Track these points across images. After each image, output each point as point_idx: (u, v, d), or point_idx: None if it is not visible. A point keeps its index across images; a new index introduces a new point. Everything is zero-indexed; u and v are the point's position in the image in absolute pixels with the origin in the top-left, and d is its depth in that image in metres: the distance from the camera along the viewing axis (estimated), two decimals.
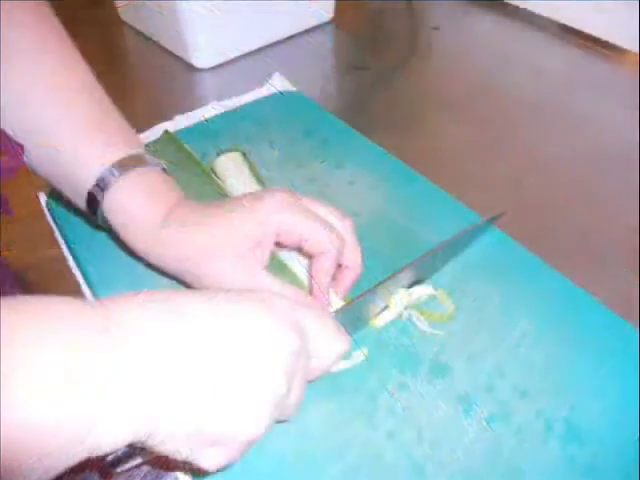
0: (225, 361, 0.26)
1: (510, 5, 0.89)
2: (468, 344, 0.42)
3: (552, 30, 0.85)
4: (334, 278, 0.42)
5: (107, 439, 0.23)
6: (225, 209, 0.39)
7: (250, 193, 0.41)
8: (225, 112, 0.66)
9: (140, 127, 0.63)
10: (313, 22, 0.86)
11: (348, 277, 0.42)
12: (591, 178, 0.59)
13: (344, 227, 0.40)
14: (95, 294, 0.46)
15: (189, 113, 0.67)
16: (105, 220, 0.41)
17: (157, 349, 0.24)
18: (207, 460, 0.27)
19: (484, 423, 0.37)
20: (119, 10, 0.90)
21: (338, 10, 0.88)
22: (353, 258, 0.41)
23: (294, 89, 0.71)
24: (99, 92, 0.42)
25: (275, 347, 0.28)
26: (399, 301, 0.43)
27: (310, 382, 0.35)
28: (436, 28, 0.87)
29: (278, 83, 0.72)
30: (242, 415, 0.26)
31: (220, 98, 0.70)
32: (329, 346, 0.33)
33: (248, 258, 0.38)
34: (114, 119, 0.42)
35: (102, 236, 0.49)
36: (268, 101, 0.68)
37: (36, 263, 0.44)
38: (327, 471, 0.35)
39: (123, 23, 0.90)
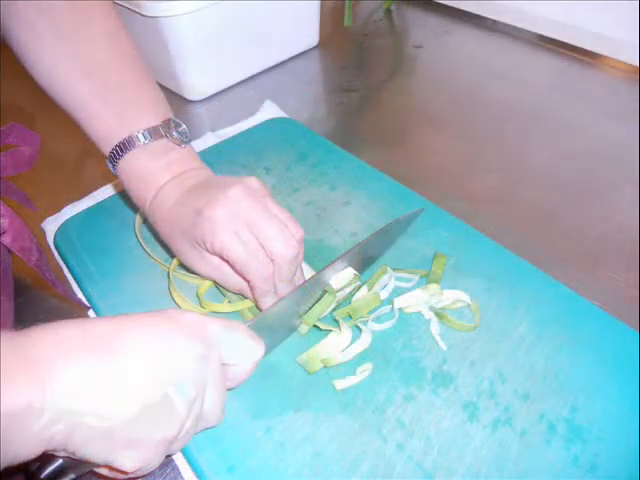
0: (131, 369, 0.29)
1: (488, 20, 0.92)
2: (469, 352, 0.44)
3: (531, 41, 0.88)
4: None
5: (22, 449, 0.26)
6: (186, 209, 0.42)
7: (212, 194, 0.42)
8: (220, 142, 0.68)
9: None
10: (299, 49, 0.89)
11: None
12: (578, 183, 0.61)
13: (285, 253, 0.41)
14: (92, 296, 0.50)
15: None
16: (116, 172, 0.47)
17: (70, 361, 0.27)
18: (123, 461, 0.29)
19: (489, 428, 0.39)
20: None
21: (323, 35, 0.91)
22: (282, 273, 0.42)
23: (285, 115, 0.73)
24: (125, 65, 0.46)
25: (177, 354, 0.31)
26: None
27: (232, 389, 0.38)
28: (419, 46, 0.89)
29: (269, 110, 0.74)
30: (149, 417, 0.29)
31: (214, 128, 0.73)
32: (242, 353, 0.35)
33: (207, 256, 0.43)
34: (135, 94, 0.46)
35: (104, 237, 0.53)
36: (261, 128, 0.70)
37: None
38: None
39: None
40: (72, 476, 0.32)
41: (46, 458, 0.30)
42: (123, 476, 0.32)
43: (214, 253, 0.42)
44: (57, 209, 0.61)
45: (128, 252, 0.53)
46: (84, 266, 0.53)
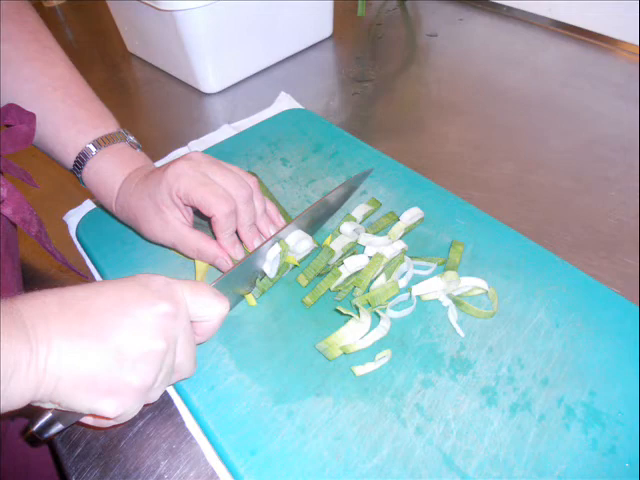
0: (105, 326, 0.32)
1: (503, 6, 0.92)
2: (487, 338, 0.44)
3: (546, 26, 0.87)
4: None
5: (10, 399, 0.29)
6: (152, 177, 0.46)
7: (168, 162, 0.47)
8: (237, 134, 0.69)
9: (157, 155, 0.67)
10: (313, 40, 0.89)
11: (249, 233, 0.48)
12: (595, 169, 0.61)
13: (240, 193, 0.45)
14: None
15: (203, 137, 0.70)
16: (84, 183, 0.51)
17: (50, 321, 0.31)
18: (105, 409, 0.32)
19: (507, 413, 0.39)
20: (126, 43, 0.94)
21: (336, 25, 0.91)
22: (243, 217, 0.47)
23: (300, 106, 0.74)
24: (75, 86, 0.50)
25: (147, 311, 0.34)
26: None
27: (201, 343, 0.41)
28: (433, 35, 0.89)
29: (284, 101, 0.75)
30: (126, 366, 0.32)
31: (230, 120, 0.73)
32: (207, 309, 0.38)
33: (168, 217, 0.46)
34: (85, 109, 0.50)
35: (126, 229, 0.55)
36: (276, 120, 0.71)
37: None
38: (362, 468, 0.37)
39: (131, 55, 0.94)
40: (61, 427, 0.34)
41: (37, 413, 0.33)
42: (106, 423, 0.36)
43: (179, 199, 0.45)
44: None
45: (150, 243, 0.54)
46: (106, 258, 0.54)
